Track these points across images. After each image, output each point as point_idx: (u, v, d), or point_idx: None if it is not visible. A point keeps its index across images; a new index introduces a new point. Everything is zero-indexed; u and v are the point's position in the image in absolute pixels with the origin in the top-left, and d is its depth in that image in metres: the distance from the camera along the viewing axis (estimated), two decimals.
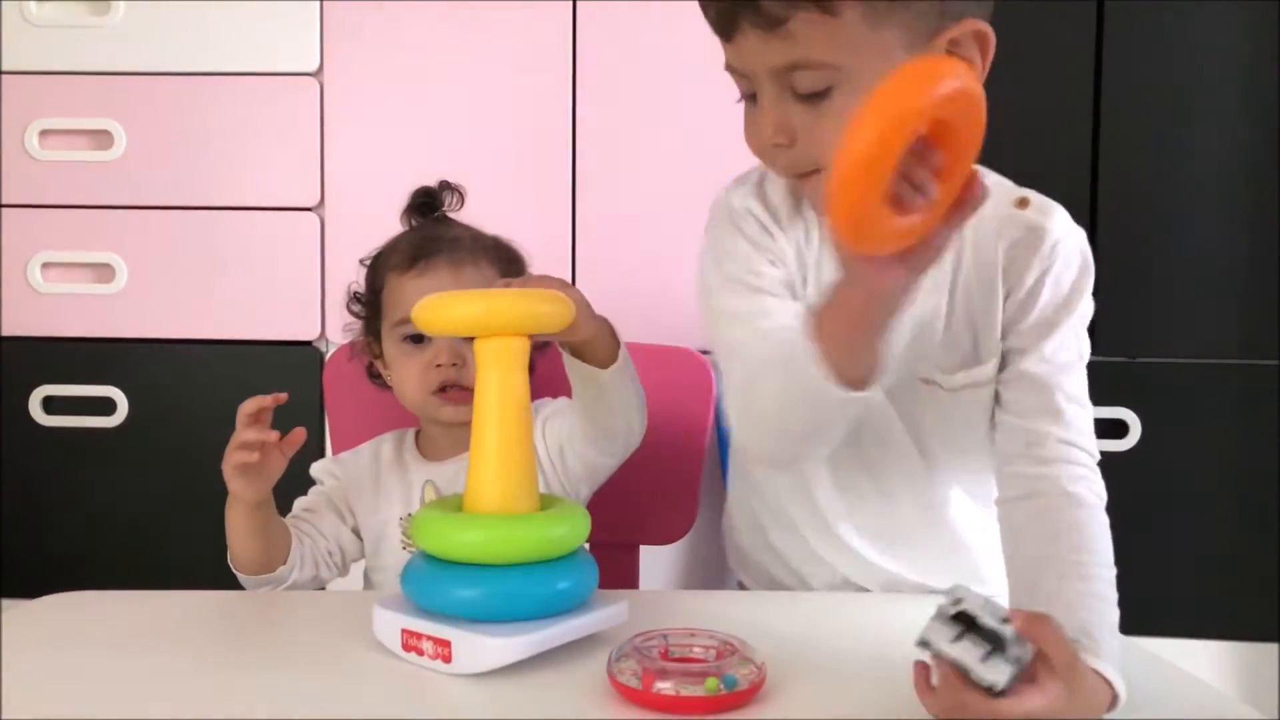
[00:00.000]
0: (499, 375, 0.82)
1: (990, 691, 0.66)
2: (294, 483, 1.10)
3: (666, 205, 1.53)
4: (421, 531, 0.82)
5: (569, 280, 1.51)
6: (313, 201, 1.54)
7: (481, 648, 0.76)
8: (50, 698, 0.75)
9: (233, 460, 0.98)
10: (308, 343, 1.55)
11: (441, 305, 0.82)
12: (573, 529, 0.82)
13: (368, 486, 1.15)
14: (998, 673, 0.66)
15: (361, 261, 1.23)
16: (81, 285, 1.54)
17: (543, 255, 1.25)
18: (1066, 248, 0.88)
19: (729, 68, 0.86)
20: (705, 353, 1.46)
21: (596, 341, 0.96)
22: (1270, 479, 1.53)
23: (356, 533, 1.16)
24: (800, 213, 0.93)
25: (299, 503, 1.16)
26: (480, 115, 1.53)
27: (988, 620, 0.66)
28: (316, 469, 1.18)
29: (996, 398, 0.91)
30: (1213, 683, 1.57)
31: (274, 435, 0.98)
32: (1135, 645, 0.83)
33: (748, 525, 1.14)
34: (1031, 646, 0.68)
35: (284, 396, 1.02)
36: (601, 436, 1.05)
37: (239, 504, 1.01)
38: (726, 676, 0.72)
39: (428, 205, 1.20)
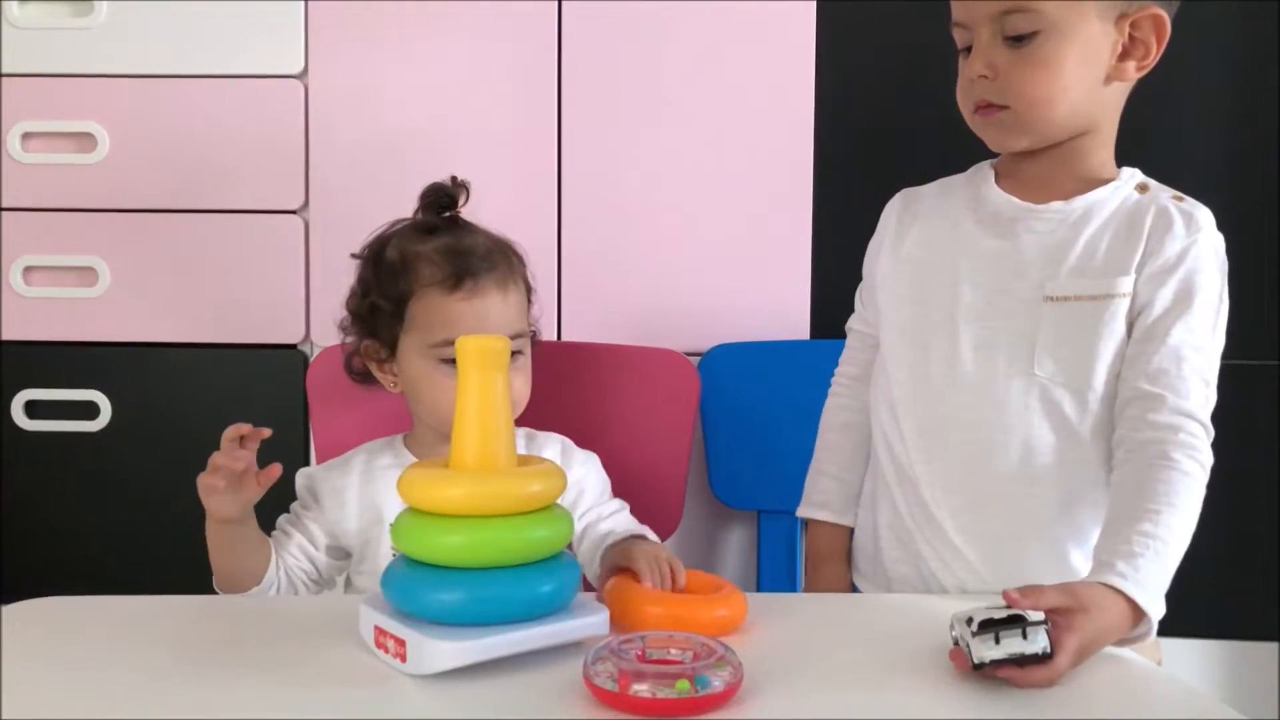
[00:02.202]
0: (479, 377, 0.81)
1: (1044, 657, 0.77)
2: (280, 489, 1.09)
3: (655, 207, 1.52)
4: (400, 534, 0.81)
5: (548, 281, 1.50)
6: (297, 204, 1.53)
7: (432, 650, 0.76)
8: (21, 705, 0.74)
9: (202, 482, 1.00)
10: (292, 346, 1.54)
11: None
12: (554, 532, 0.81)
13: (354, 494, 1.13)
14: (1039, 641, 0.77)
15: (355, 256, 1.19)
16: (64, 289, 1.53)
17: (529, 257, 1.24)
18: (1209, 235, 1.01)
19: (954, 23, 1.06)
20: (691, 355, 1.46)
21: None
22: (1266, 478, 1.54)
23: (333, 549, 1.14)
24: None
25: (281, 519, 1.15)
26: (465, 118, 1.52)
27: (997, 614, 0.78)
28: (299, 481, 1.16)
29: (1130, 360, 1.00)
30: (1209, 681, 1.59)
31: (240, 463, 0.99)
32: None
33: (868, 521, 1.15)
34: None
35: (267, 432, 1.03)
36: None
37: (212, 520, 1.03)
38: (700, 678, 0.72)
39: (442, 204, 1.17)
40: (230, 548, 1.05)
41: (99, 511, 1.54)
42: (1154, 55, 1.02)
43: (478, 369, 0.81)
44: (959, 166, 1.17)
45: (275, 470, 1.02)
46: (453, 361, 1.06)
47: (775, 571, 1.49)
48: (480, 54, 1.52)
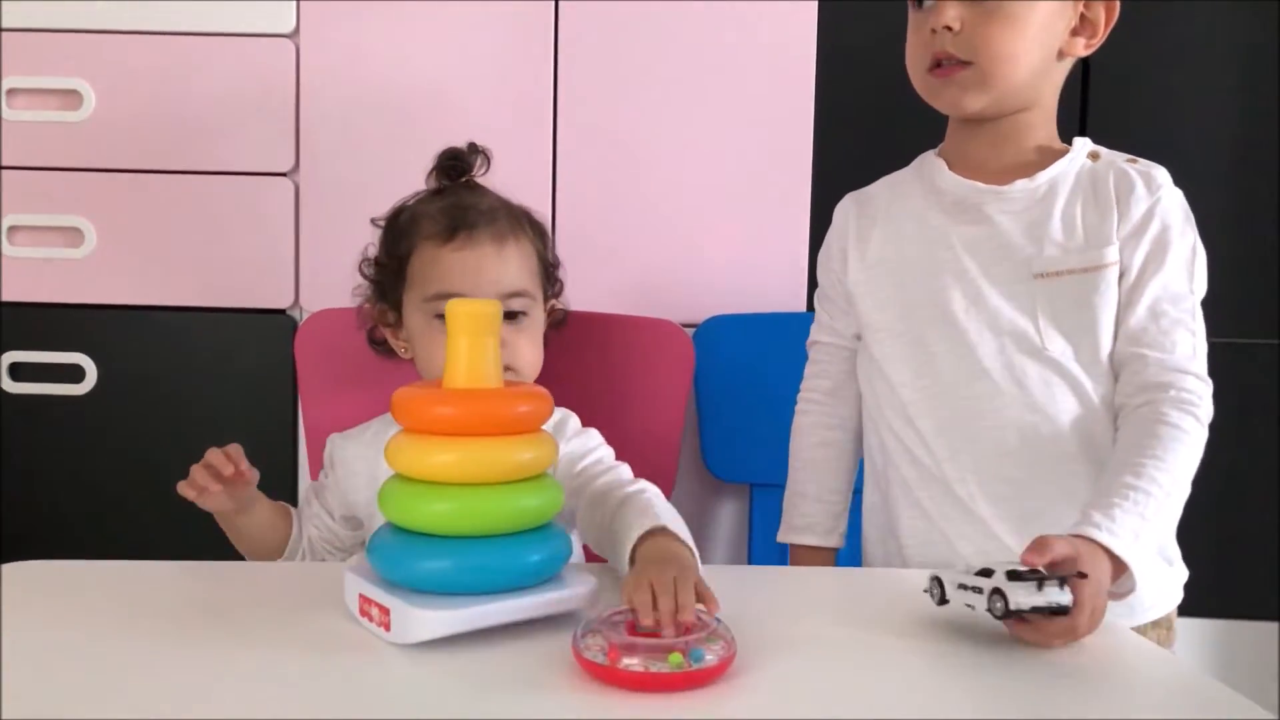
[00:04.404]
0: (468, 341, 0.79)
1: (1064, 610, 0.77)
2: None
3: (652, 176, 1.50)
4: (387, 501, 0.79)
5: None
6: (287, 167, 1.50)
7: (415, 619, 0.74)
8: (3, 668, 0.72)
9: (181, 489, 1.01)
10: (281, 311, 1.52)
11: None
12: (544, 502, 0.79)
13: (364, 464, 1.12)
14: (1062, 594, 0.77)
15: (374, 222, 1.18)
16: (49, 249, 1.50)
17: (549, 230, 1.22)
18: (1170, 192, 1.02)
19: None
20: (687, 326, 1.44)
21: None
22: (1268, 457, 1.53)
23: (347, 519, 1.14)
24: None
25: (307, 486, 1.16)
26: (459, 80, 1.50)
27: (1011, 566, 0.78)
28: (326, 447, 1.17)
29: (1118, 323, 1.01)
30: (1210, 661, 1.59)
31: (216, 485, 1.00)
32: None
33: (878, 535, 1.13)
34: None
35: (252, 475, 1.03)
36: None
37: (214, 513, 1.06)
38: (694, 651, 0.70)
39: (455, 168, 1.16)
40: (238, 534, 1.07)
41: (84, 475, 1.52)
42: (1100, 36, 1.03)
43: (467, 333, 0.79)
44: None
45: (252, 476, 1.03)
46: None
47: (767, 545, 1.47)
48: (475, 14, 1.49)
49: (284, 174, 1.50)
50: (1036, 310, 1.01)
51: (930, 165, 1.11)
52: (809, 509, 1.17)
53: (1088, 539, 0.86)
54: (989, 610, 0.77)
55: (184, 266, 1.51)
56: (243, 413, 1.52)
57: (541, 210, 1.46)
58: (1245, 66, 1.52)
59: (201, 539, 1.11)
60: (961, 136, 1.08)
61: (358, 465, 1.12)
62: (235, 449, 1.01)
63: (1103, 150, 1.06)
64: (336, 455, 1.15)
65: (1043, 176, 1.04)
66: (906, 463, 1.08)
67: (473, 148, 1.16)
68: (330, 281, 1.20)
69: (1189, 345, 0.98)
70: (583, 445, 1.08)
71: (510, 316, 1.06)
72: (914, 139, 1.16)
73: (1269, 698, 1.56)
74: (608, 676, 0.70)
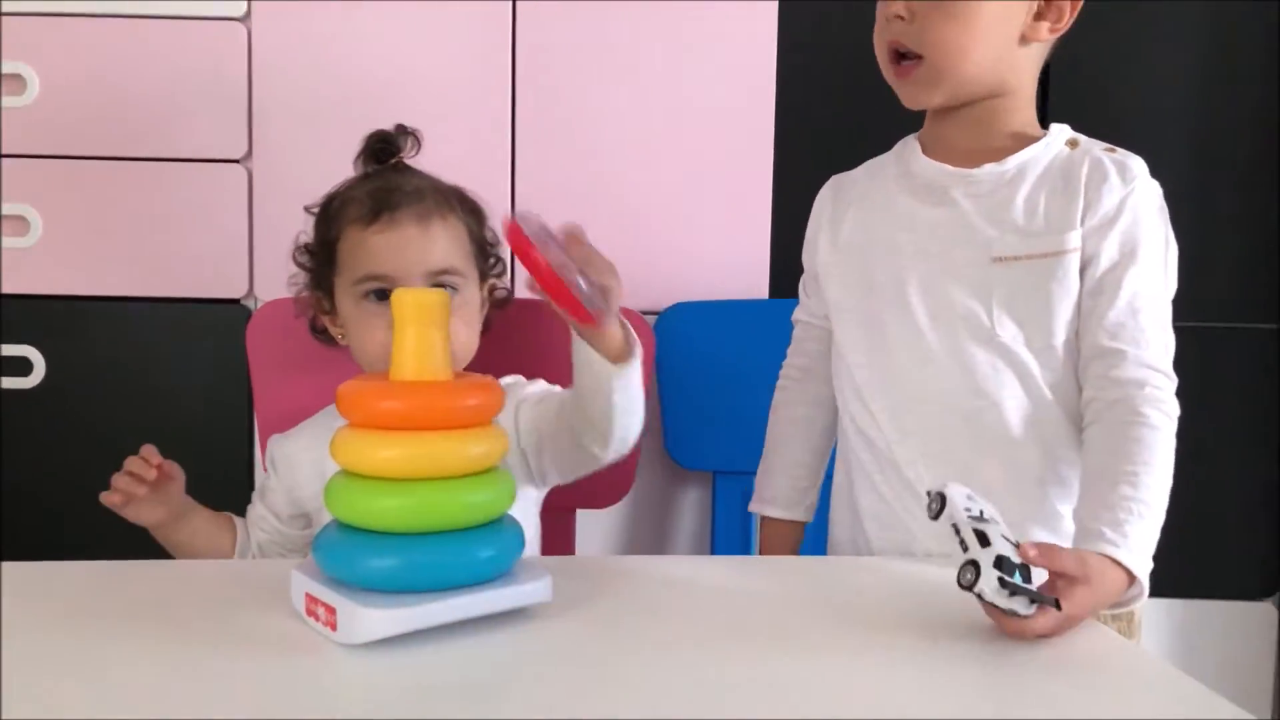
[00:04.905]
0: (415, 332, 0.77)
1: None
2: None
3: (612, 161, 1.48)
4: (332, 497, 0.77)
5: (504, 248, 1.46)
6: (240, 153, 1.47)
7: (361, 618, 0.72)
8: None
9: (105, 499, 1.01)
10: (235, 301, 1.49)
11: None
12: (496, 496, 0.77)
13: (307, 457, 1.10)
14: (1027, 609, 0.76)
15: (308, 209, 1.17)
16: None
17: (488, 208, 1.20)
18: (1144, 182, 1.00)
19: None
20: (648, 314, 1.42)
21: (612, 337, 0.88)
22: (1221, 439, 1.54)
23: (296, 518, 1.13)
24: None
25: (255, 491, 1.15)
26: (416, 66, 1.47)
27: (1007, 550, 0.77)
28: (267, 449, 1.16)
29: (1085, 316, 0.99)
30: (1199, 640, 1.60)
31: (141, 489, 1.01)
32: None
33: (845, 513, 1.13)
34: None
35: (174, 471, 1.05)
36: (592, 437, 0.96)
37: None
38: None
39: (384, 150, 1.15)
40: (178, 548, 1.06)
41: (31, 471, 1.49)
42: (1067, 20, 1.01)
43: (414, 324, 0.77)
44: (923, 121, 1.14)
45: (169, 466, 1.03)
46: (373, 296, 1.06)
47: (730, 534, 1.47)
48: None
49: (236, 161, 1.47)
50: (992, 295, 1.00)
51: (908, 149, 1.10)
52: (776, 481, 1.18)
53: (1101, 555, 0.86)
54: (958, 572, 0.77)
55: (134, 256, 1.48)
56: (197, 406, 1.49)
57: (499, 197, 1.47)
58: (1203, 55, 1.52)
59: (153, 538, 1.08)
60: (937, 121, 1.07)
61: (302, 458, 1.11)
62: (149, 449, 0.99)
63: (1082, 138, 1.04)
64: (278, 454, 1.14)
65: (1012, 161, 1.02)
66: (862, 444, 1.08)
67: (401, 129, 1.15)
68: (285, 270, 1.17)
69: (1162, 344, 0.98)
70: (542, 386, 1.11)
71: None
72: (878, 127, 1.15)
73: (1231, 677, 1.58)
74: (527, 254, 0.76)
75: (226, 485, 1.33)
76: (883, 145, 1.15)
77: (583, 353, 0.90)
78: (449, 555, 0.75)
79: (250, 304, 1.48)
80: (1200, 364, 1.50)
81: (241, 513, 1.16)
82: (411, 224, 1.06)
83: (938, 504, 0.81)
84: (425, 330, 0.77)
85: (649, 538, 1.55)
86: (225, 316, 1.48)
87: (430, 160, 1.17)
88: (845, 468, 1.12)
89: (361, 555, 0.75)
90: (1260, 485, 1.58)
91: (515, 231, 0.77)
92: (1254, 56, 1.52)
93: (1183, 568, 1.55)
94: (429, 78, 1.47)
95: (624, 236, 1.48)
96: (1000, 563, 0.76)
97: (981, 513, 0.79)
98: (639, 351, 0.91)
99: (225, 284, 1.48)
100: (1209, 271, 1.51)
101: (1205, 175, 1.53)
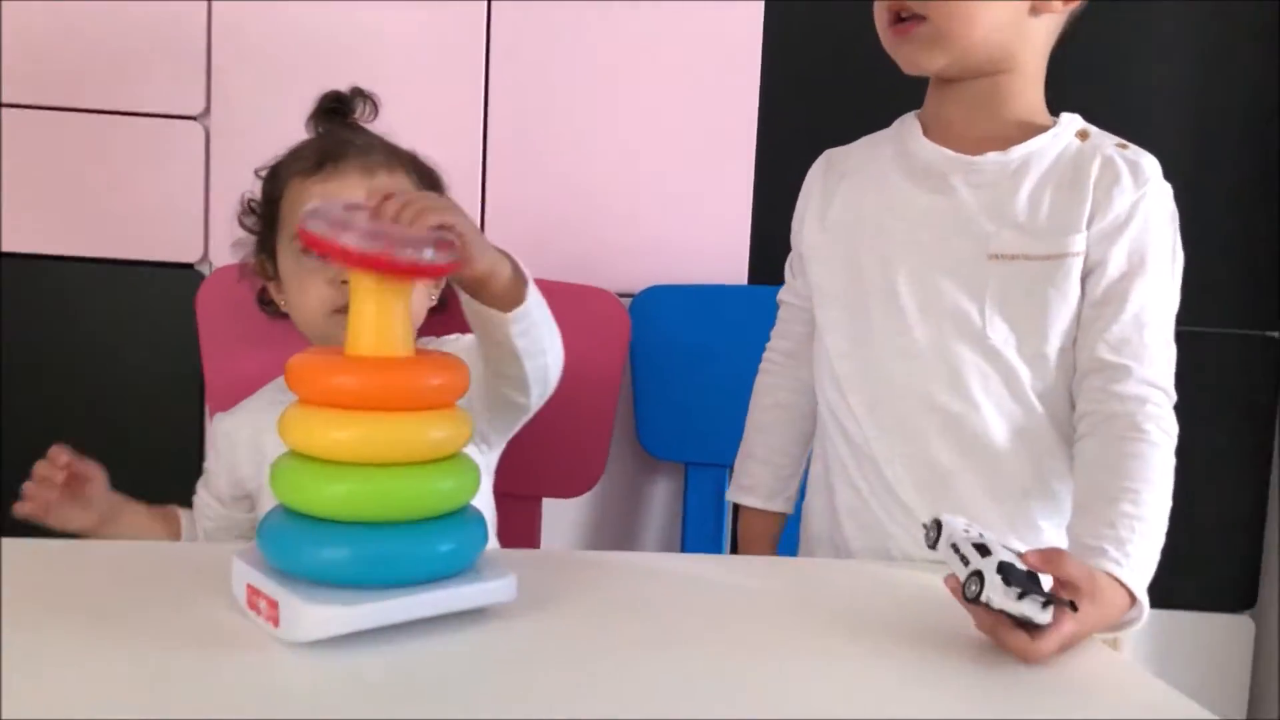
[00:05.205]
0: (376, 301, 0.71)
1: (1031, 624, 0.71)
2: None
3: (590, 136, 1.42)
4: (279, 481, 0.71)
5: (470, 208, 1.40)
6: (197, 110, 1.39)
7: (307, 615, 0.66)
8: None
9: (19, 512, 0.95)
10: (188, 265, 1.41)
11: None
12: (459, 485, 0.71)
13: (245, 434, 1.05)
14: (1047, 615, 0.71)
15: (257, 172, 1.11)
16: None
17: (450, 179, 1.14)
18: (1157, 185, 0.95)
19: None
20: (623, 296, 1.36)
21: (496, 278, 0.82)
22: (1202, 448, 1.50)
23: (240, 500, 1.07)
24: None
25: (199, 479, 1.09)
26: (385, 20, 1.40)
27: (1010, 557, 0.72)
28: (209, 430, 1.10)
29: (1086, 326, 0.94)
30: (1176, 652, 1.57)
31: (53, 494, 0.95)
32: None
33: (822, 505, 1.07)
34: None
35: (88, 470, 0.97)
36: (509, 387, 0.92)
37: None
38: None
39: (336, 110, 1.09)
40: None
41: None
42: (1072, 3, 0.96)
43: (375, 292, 0.71)
44: (915, 103, 1.08)
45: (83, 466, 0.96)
46: (310, 251, 0.98)
47: (701, 527, 1.42)
48: None
49: (193, 118, 1.40)
50: (985, 293, 0.95)
51: (907, 127, 1.04)
52: (755, 470, 1.12)
53: (1106, 574, 0.81)
54: (962, 586, 0.72)
55: (83, 214, 1.40)
56: (147, 376, 1.42)
57: (469, 163, 1.40)
58: (1201, 55, 1.48)
59: None
60: (937, 99, 1.01)
61: (239, 435, 1.05)
62: (56, 450, 0.94)
63: (1093, 130, 0.98)
64: (218, 433, 1.08)
65: (1017, 151, 0.96)
66: (840, 437, 1.03)
67: (357, 91, 1.10)
68: (237, 238, 1.11)
69: (1164, 360, 0.93)
70: (469, 340, 1.03)
71: None
72: (867, 104, 1.10)
73: (1207, 688, 1.55)
74: (327, 249, 0.68)
75: (177, 465, 1.26)
76: (872, 124, 1.10)
77: (470, 306, 0.84)
78: (405, 548, 0.68)
79: (204, 269, 1.41)
80: (1181, 374, 1.47)
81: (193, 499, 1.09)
82: (355, 174, 1.01)
83: (935, 532, 0.77)
84: (386, 300, 0.71)
85: (617, 530, 1.49)
86: (178, 281, 1.40)
87: (395, 132, 1.10)
88: (823, 459, 1.07)
89: (308, 545, 0.68)
90: (1240, 497, 1.55)
91: (306, 235, 0.70)
92: (1253, 57, 1.49)
93: (1161, 578, 1.51)
94: (399, 44, 1.40)
95: (601, 216, 1.43)
96: (1004, 568, 0.71)
97: (981, 535, 0.74)
98: (530, 284, 0.85)
99: (178, 247, 1.40)
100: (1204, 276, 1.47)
101: (1201, 176, 1.50)
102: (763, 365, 1.16)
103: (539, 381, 0.91)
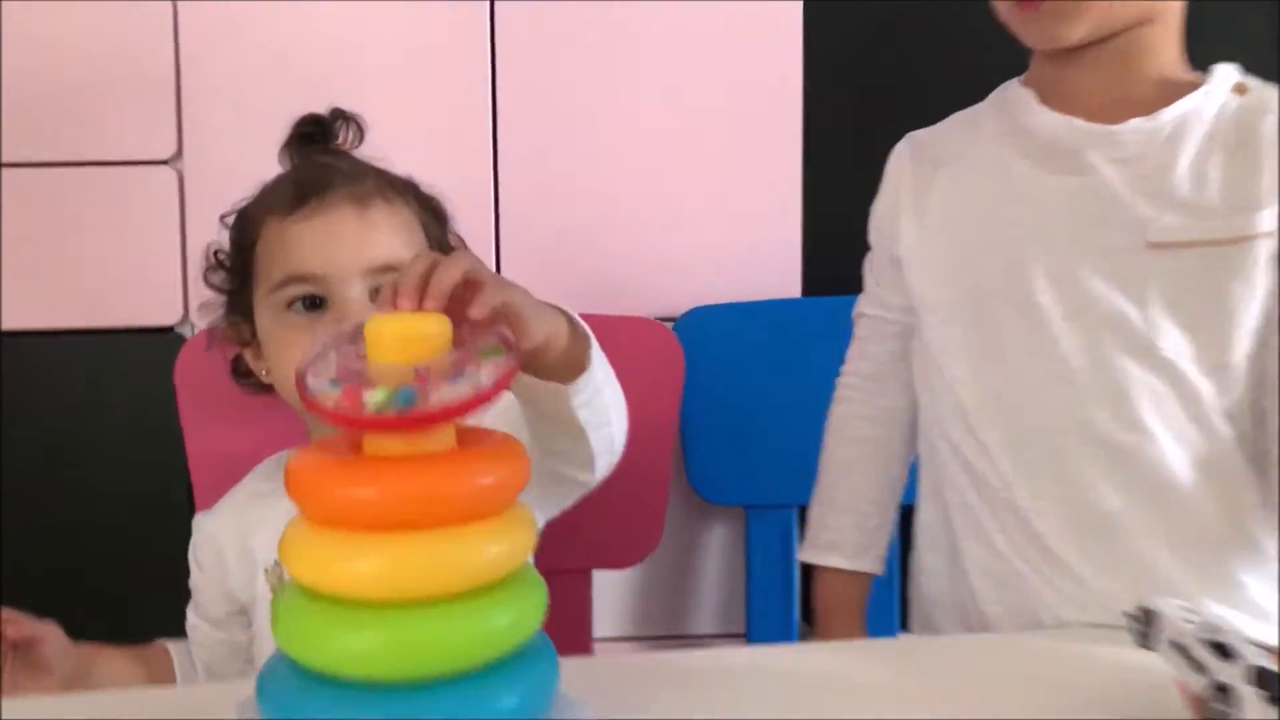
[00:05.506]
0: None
1: None
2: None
3: (612, 138, 1.26)
4: (284, 627, 0.54)
5: (483, 231, 1.23)
6: (168, 153, 1.24)
7: None
8: None
9: None
10: (168, 329, 1.26)
11: None
12: (521, 615, 0.54)
13: (229, 536, 0.88)
14: None
15: (223, 219, 0.95)
16: None
17: (457, 201, 0.98)
18: None
19: None
20: (667, 321, 1.20)
21: (552, 347, 0.64)
22: None
23: (235, 616, 0.90)
24: None
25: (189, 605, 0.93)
26: (376, 39, 1.24)
27: (1261, 658, 0.55)
28: (192, 539, 0.93)
29: None
30: None
31: None
32: None
33: (943, 563, 0.91)
34: None
35: (40, 631, 0.78)
36: (567, 464, 0.75)
37: None
38: (401, 392, 0.50)
39: (314, 137, 0.92)
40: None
41: None
42: None
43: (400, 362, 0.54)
44: (974, 94, 0.93)
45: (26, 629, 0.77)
46: (299, 306, 0.82)
47: (769, 578, 1.25)
48: None
49: (164, 162, 1.25)
50: (1147, 293, 0.78)
51: (1015, 99, 0.87)
52: (837, 521, 0.96)
53: None
54: (1206, 704, 0.55)
55: (46, 280, 1.25)
56: (125, 456, 1.27)
57: (480, 201, 1.24)
58: None
59: (77, 601, 0.88)
60: (1057, 63, 0.85)
61: (224, 540, 0.89)
62: (7, 613, 0.76)
63: (1253, 82, 0.83)
64: (200, 540, 0.92)
65: (1167, 115, 0.80)
66: (968, 481, 0.86)
67: (337, 113, 0.93)
68: (202, 301, 0.96)
69: None
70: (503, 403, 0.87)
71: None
72: (920, 92, 1.00)
73: None
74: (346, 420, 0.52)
75: (167, 555, 1.10)
76: (934, 113, 0.96)
77: (525, 383, 0.67)
78: (455, 709, 0.52)
79: (186, 331, 1.25)
80: None
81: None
82: (346, 205, 0.84)
83: (1144, 624, 0.61)
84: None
85: (670, 591, 1.32)
86: (156, 348, 1.24)
87: (389, 158, 0.94)
88: (940, 506, 0.90)
89: (326, 713, 0.52)
90: None
91: (310, 404, 0.53)
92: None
93: None
94: (387, 58, 1.25)
95: (629, 234, 1.28)
96: (1261, 677, 0.54)
97: (1212, 626, 0.58)
98: (592, 344, 0.68)
99: (155, 310, 1.25)
100: None
101: None
102: (839, 393, 1.00)
103: (605, 453, 0.75)
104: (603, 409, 0.70)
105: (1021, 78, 0.89)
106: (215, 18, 1.23)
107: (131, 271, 1.24)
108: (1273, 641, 0.70)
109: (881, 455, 0.96)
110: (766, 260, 1.27)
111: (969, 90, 0.94)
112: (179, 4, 1.23)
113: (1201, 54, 1.29)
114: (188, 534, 1.20)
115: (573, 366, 0.67)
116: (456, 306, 0.57)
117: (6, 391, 1.25)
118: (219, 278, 0.92)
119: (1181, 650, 0.57)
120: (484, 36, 1.24)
